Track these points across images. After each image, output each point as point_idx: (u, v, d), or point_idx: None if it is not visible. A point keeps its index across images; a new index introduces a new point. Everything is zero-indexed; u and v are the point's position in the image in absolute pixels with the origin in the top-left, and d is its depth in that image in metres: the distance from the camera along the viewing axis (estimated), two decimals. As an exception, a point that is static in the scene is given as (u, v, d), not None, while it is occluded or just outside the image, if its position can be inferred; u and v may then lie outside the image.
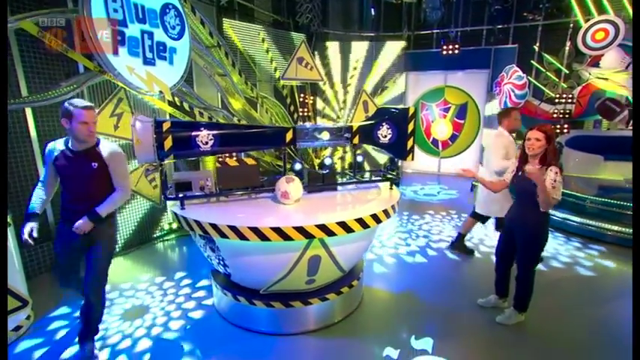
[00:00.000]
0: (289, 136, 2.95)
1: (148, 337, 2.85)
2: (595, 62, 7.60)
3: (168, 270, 4.00)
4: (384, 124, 3.14)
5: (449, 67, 8.05)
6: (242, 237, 2.33)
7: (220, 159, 3.35)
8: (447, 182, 8.10)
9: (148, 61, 3.82)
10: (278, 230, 2.32)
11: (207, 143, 2.67)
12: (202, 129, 2.66)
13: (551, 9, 7.27)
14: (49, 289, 3.53)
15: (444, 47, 7.22)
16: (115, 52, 3.43)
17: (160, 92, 4.01)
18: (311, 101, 7.05)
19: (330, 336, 2.87)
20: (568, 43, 7.56)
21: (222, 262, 2.75)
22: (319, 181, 3.17)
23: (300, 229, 2.34)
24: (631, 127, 7.15)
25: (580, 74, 7.56)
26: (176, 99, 4.46)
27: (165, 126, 2.59)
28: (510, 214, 2.93)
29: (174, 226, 5.01)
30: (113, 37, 3.40)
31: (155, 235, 4.87)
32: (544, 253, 3.94)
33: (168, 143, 2.58)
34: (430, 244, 4.69)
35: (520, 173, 2.73)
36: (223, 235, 2.36)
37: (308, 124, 3.30)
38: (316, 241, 2.51)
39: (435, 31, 8.28)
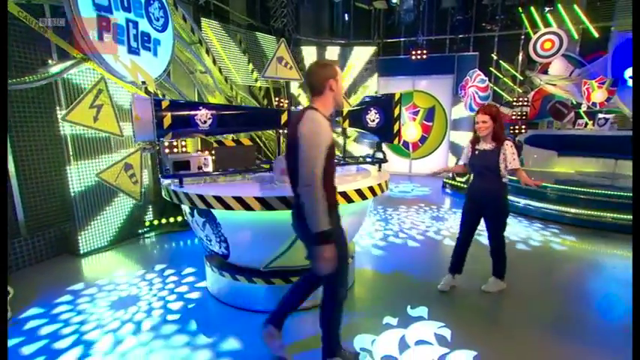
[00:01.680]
0: (284, 118, 3.05)
1: (138, 330, 2.77)
2: (544, 70, 8.40)
3: (153, 264, 3.89)
4: (372, 108, 3.33)
5: (416, 73, 8.54)
6: (247, 207, 2.37)
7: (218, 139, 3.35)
8: (419, 181, 8.48)
9: (132, 50, 3.78)
10: (283, 199, 2.39)
11: (205, 122, 2.71)
12: (201, 108, 2.70)
13: (506, 20, 7.98)
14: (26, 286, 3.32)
15: (413, 52, 7.68)
16: (101, 38, 3.38)
17: (143, 83, 3.96)
18: (286, 104, 7.19)
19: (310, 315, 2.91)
20: (521, 52, 8.32)
21: (222, 240, 2.75)
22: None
23: (305, 198, 2.43)
24: (578, 127, 7.94)
25: (532, 80, 8.32)
26: (158, 92, 4.41)
27: (164, 104, 2.60)
28: (475, 190, 3.11)
29: (157, 222, 4.87)
30: (99, 24, 3.35)
31: (137, 232, 4.71)
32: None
33: (167, 121, 2.59)
34: (414, 231, 4.91)
35: (477, 152, 3.00)
36: (228, 207, 2.39)
37: (300, 108, 3.41)
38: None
39: (402, 39, 8.78)
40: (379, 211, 5.95)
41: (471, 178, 3.15)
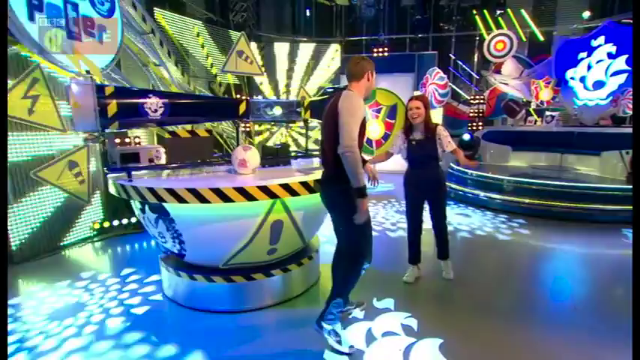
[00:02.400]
0: (242, 108, 2.91)
1: (85, 344, 2.51)
2: (498, 70, 8.83)
3: (101, 270, 3.58)
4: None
5: (378, 71, 8.52)
6: (203, 200, 2.21)
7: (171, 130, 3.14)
8: (383, 178, 8.55)
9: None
10: (241, 190, 2.25)
11: (156, 111, 2.51)
12: (151, 95, 2.49)
13: (462, 22, 8.30)
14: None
15: (375, 50, 7.76)
16: (31, 19, 3.05)
17: (88, 72, 3.65)
18: (246, 96, 7.01)
19: (293, 308, 2.83)
20: (477, 52, 8.68)
21: (177, 238, 2.56)
22: (273, 155, 3.15)
23: (264, 189, 2.31)
24: (529, 123, 8.40)
25: (487, 79, 8.72)
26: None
27: (108, 90, 2.37)
28: (418, 179, 3.11)
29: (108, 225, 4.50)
30: (29, 2, 3.02)
31: (85, 236, 4.32)
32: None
33: (112, 109, 2.36)
34: (380, 226, 4.92)
35: (414, 143, 3.02)
36: (182, 201, 2.22)
37: (260, 97, 3.28)
38: (279, 204, 2.49)
39: (364, 37, 8.87)
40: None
41: (408, 167, 3.16)
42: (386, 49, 7.79)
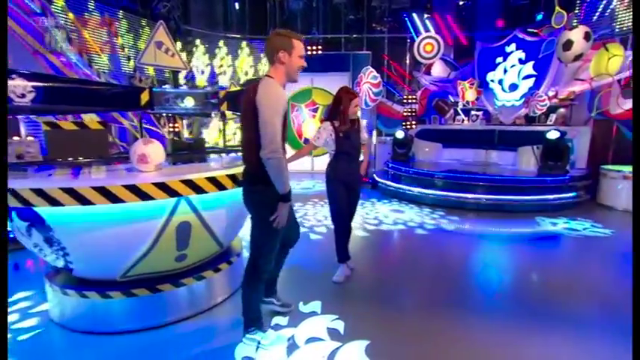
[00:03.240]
0: (144, 98, 2.55)
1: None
2: (428, 71, 9.23)
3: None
4: (254, 89, 3.02)
5: (314, 70, 8.55)
6: (84, 201, 1.84)
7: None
8: (321, 178, 8.47)
9: None
10: (133, 188, 1.92)
11: (23, 96, 2.07)
12: (15, 77, 2.05)
13: (393, 23, 8.53)
14: None
15: (309, 48, 7.66)
16: None
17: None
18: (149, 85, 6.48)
19: (211, 319, 2.53)
20: (408, 54, 8.98)
21: (60, 250, 2.13)
22: (185, 150, 2.83)
23: (162, 186, 1.99)
24: (457, 122, 8.87)
25: (419, 80, 9.06)
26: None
27: (-46, 69, 1.89)
28: (346, 174, 3.00)
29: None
30: None
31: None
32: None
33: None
34: (315, 226, 4.76)
35: (341, 135, 2.92)
36: (55, 203, 1.82)
37: (168, 87, 2.94)
38: (183, 203, 2.18)
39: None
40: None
41: (333, 161, 3.02)
42: (319, 47, 7.72)
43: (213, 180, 2.18)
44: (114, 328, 2.30)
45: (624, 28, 5.30)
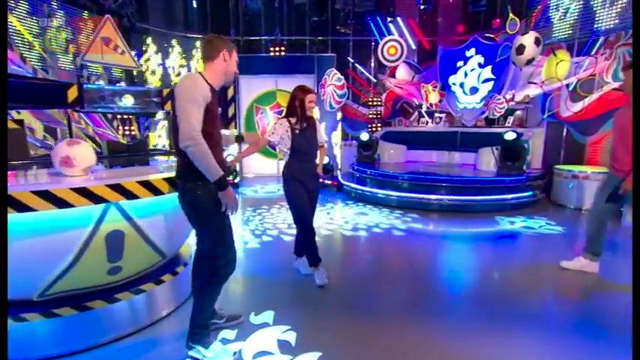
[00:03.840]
0: (72, 94, 2.31)
1: None
2: (393, 74, 9.33)
3: None
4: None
5: (279, 72, 8.43)
6: (-18, 210, 1.59)
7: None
8: (262, 181, 8.31)
9: None
10: (46, 195, 1.69)
11: None
12: None
13: (357, 26, 8.56)
14: None
15: (272, 49, 7.52)
16: None
17: None
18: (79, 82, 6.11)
19: (154, 335, 2.32)
20: (373, 57, 9.03)
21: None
22: (124, 153, 2.59)
23: (83, 192, 1.78)
24: (422, 124, 9.01)
25: (384, 83, 9.13)
26: None
27: None
28: (304, 173, 2.91)
29: None
30: None
31: None
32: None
33: None
34: (276, 231, 4.59)
35: (298, 132, 2.83)
36: (-53, 213, 1.56)
37: (102, 82, 2.70)
38: (114, 210, 1.97)
39: (263, 37, 8.58)
40: (242, 213, 5.49)
41: (289, 161, 2.91)
42: (282, 48, 7.60)
43: (147, 184, 1.98)
44: (35, 354, 2.03)
45: (564, 36, 5.56)
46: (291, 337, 2.31)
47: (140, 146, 2.69)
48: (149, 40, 7.18)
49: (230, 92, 2.94)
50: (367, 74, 9.08)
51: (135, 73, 6.52)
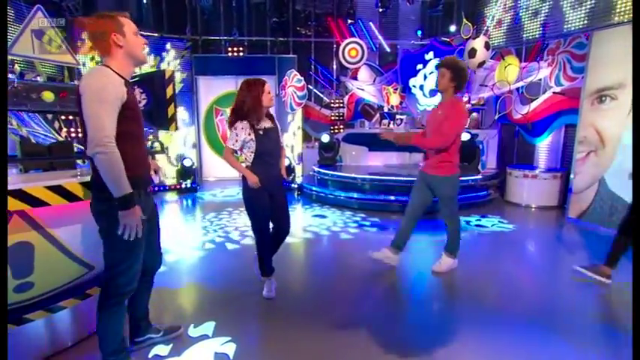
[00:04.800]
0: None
1: None
2: (355, 76, 9.38)
3: None
4: (134, 86, 2.63)
5: (239, 73, 8.22)
6: None
7: None
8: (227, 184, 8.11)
9: None
10: None
11: None
12: None
13: (318, 28, 8.54)
14: None
15: (230, 49, 7.33)
16: None
17: None
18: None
19: (79, 354, 2.11)
20: (335, 58, 9.04)
21: None
22: (44, 156, 2.36)
23: (-26, 199, 1.56)
24: (383, 126, 9.11)
25: (346, 85, 9.16)
26: None
27: None
28: (267, 178, 2.65)
29: None
30: None
31: None
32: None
33: None
34: (232, 235, 4.41)
35: (261, 133, 2.60)
36: None
37: (40, 79, 2.47)
38: (17, 219, 1.76)
39: (223, 37, 8.36)
40: (196, 218, 5.26)
41: (252, 165, 2.64)
42: (241, 48, 7.43)
43: (58, 189, 1.79)
44: None
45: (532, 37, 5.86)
46: (231, 349, 2.17)
47: (64, 148, 2.45)
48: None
49: (169, 91, 2.70)
50: (329, 76, 9.07)
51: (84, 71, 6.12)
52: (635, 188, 2.00)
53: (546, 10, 6.04)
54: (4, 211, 1.57)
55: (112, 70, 1.65)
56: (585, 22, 5.40)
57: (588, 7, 5.36)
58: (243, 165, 2.64)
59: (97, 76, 1.60)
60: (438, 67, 3.03)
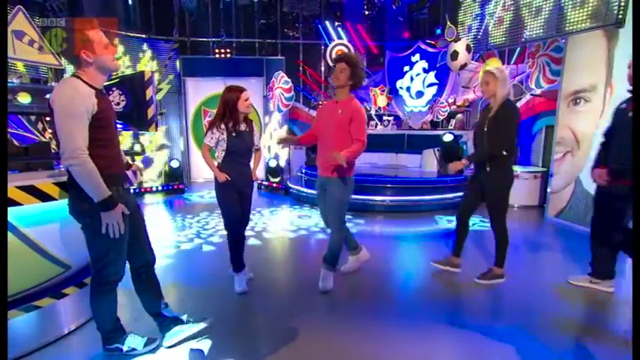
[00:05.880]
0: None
1: None
2: (343, 78, 9.48)
3: None
4: (114, 88, 2.69)
5: (227, 74, 8.25)
6: None
7: None
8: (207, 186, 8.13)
9: None
10: None
11: None
12: None
13: (305, 30, 8.62)
14: None
15: (217, 51, 7.38)
16: None
17: None
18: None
19: (57, 354, 2.14)
20: (323, 60, 9.11)
21: None
22: (21, 157, 2.39)
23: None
24: (370, 127, 9.20)
25: (334, 86, 9.24)
26: None
27: None
28: (239, 178, 2.83)
29: None
30: None
31: None
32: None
33: None
34: (215, 237, 4.45)
35: (234, 135, 2.75)
36: None
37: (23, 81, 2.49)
38: (-10, 219, 1.79)
39: (211, 39, 8.38)
40: (179, 220, 5.29)
41: (222, 163, 2.80)
42: (228, 50, 7.46)
43: (31, 189, 1.82)
44: None
45: (497, 43, 5.92)
46: (205, 345, 2.22)
47: (42, 149, 2.48)
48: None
49: (149, 92, 2.74)
50: (318, 77, 9.14)
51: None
52: (636, 190, 2.02)
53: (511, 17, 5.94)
54: (4, 211, 1.62)
55: (83, 81, 1.70)
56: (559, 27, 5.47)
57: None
58: (216, 163, 2.82)
59: (65, 89, 1.64)
60: (336, 60, 2.87)
